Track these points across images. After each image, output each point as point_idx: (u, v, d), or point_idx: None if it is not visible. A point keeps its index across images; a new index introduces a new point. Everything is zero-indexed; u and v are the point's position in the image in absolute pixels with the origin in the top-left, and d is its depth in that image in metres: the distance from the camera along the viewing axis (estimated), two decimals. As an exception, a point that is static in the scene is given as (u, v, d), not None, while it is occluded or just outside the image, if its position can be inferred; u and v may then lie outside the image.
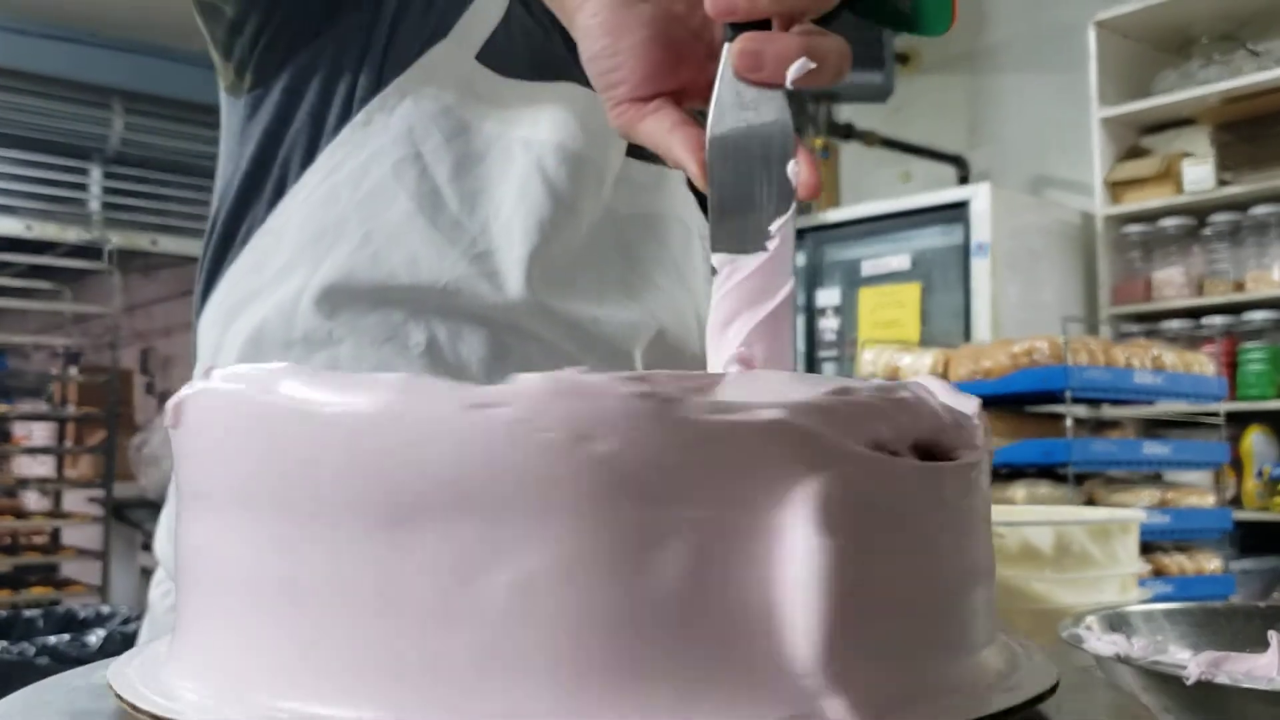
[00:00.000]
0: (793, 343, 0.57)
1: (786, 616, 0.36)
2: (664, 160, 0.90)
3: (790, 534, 0.36)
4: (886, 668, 0.37)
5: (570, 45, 1.00)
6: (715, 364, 0.55)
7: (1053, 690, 0.42)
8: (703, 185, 0.57)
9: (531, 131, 0.91)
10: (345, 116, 0.89)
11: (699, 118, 0.59)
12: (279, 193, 0.90)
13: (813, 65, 0.54)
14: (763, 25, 0.54)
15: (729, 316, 0.55)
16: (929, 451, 0.42)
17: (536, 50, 0.97)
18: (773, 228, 0.55)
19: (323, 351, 0.85)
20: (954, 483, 0.43)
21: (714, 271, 0.98)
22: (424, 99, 0.89)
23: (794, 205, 0.56)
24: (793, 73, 0.53)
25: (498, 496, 0.35)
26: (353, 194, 0.87)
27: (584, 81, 0.94)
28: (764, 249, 0.55)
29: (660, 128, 0.60)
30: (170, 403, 0.43)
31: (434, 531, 0.36)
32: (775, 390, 0.40)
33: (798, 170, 0.55)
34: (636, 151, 0.98)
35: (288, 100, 0.91)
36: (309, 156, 0.89)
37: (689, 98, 0.61)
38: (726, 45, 0.54)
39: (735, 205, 0.55)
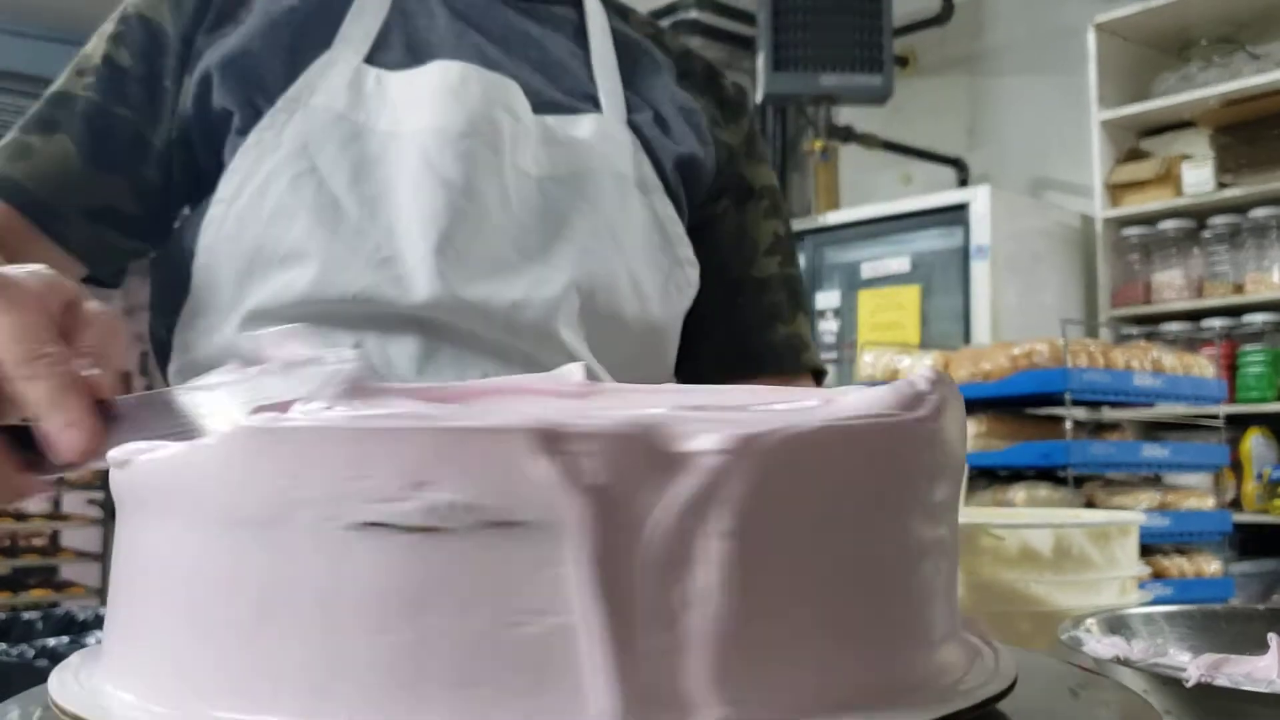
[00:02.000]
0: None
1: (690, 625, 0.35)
2: (584, 106, 0.90)
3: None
4: (792, 672, 0.36)
5: None
6: None
7: (1007, 692, 0.40)
8: None
9: (416, 120, 0.90)
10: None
11: None
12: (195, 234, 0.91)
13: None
14: None
15: None
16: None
17: (423, 36, 0.96)
18: None
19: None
20: (870, 456, 0.39)
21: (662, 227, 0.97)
22: (313, 110, 0.89)
23: None
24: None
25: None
26: (256, 218, 0.87)
27: (452, 54, 0.94)
28: None
29: None
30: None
31: (374, 542, 0.35)
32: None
33: None
34: (549, 106, 0.97)
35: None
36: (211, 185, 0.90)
37: None
38: None
39: None
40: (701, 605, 0.35)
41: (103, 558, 5.00)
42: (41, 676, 0.43)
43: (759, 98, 3.95)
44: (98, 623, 3.46)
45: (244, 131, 0.88)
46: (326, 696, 0.35)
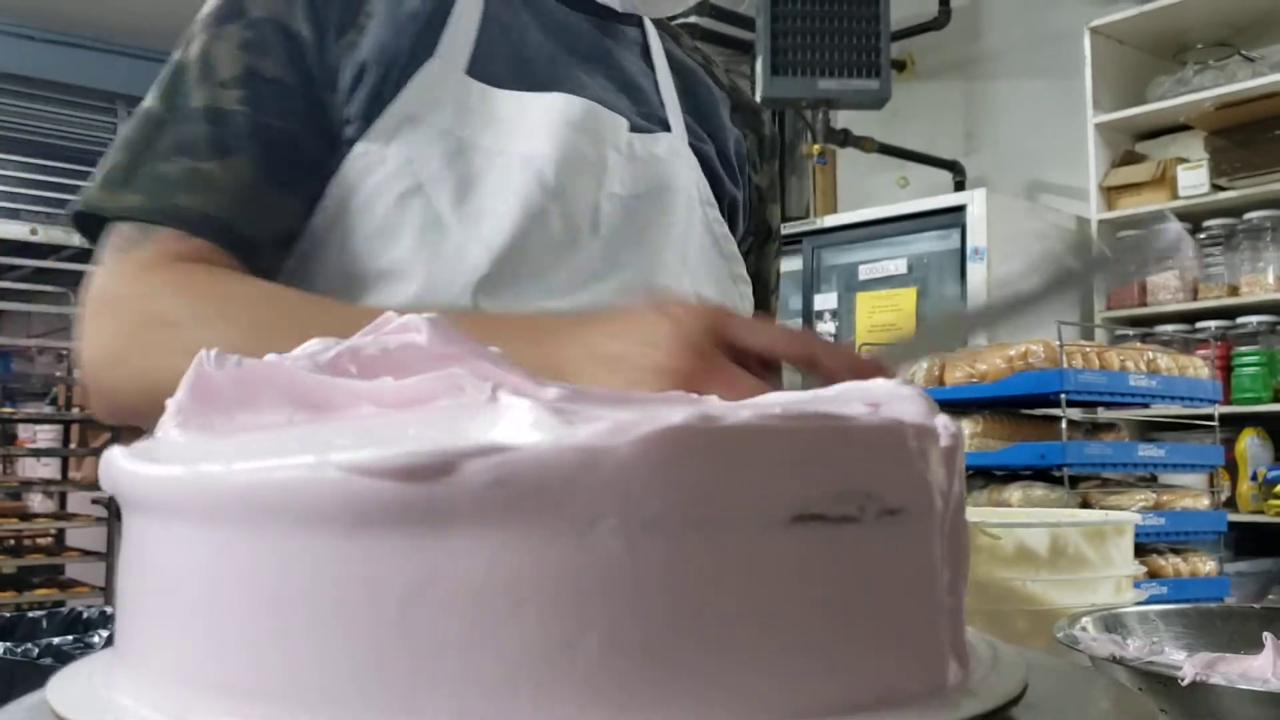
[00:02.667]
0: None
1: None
2: (658, 127, 0.88)
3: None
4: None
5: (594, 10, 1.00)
6: None
7: (1020, 696, 0.41)
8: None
9: (529, 145, 0.90)
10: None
11: None
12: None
13: None
14: None
15: None
16: None
17: (519, 52, 0.96)
18: None
19: None
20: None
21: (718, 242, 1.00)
22: (420, 124, 0.87)
23: None
24: None
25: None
26: (359, 233, 0.86)
27: (574, 89, 0.95)
28: None
29: None
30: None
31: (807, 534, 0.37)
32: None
33: None
34: (635, 126, 0.98)
35: None
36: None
37: None
38: None
39: None
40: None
41: (107, 557, 5.00)
42: (46, 674, 0.42)
43: (757, 101, 3.97)
44: (102, 621, 3.47)
45: (353, 140, 0.87)
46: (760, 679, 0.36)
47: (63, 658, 2.87)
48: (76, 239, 5.66)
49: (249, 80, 0.85)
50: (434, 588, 0.34)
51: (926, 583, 0.40)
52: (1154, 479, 2.56)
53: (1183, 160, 3.72)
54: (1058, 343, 2.21)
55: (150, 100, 0.88)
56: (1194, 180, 3.63)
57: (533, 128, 0.91)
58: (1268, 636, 0.72)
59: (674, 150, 1.00)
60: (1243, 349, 3.55)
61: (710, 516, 0.35)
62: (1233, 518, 2.81)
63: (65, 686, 0.41)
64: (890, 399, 0.42)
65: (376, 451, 0.34)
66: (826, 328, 4.06)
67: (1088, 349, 2.31)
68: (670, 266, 0.96)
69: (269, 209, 0.85)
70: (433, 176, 0.86)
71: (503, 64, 0.94)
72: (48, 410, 5.86)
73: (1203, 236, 3.68)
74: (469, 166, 0.88)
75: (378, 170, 0.86)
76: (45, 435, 5.97)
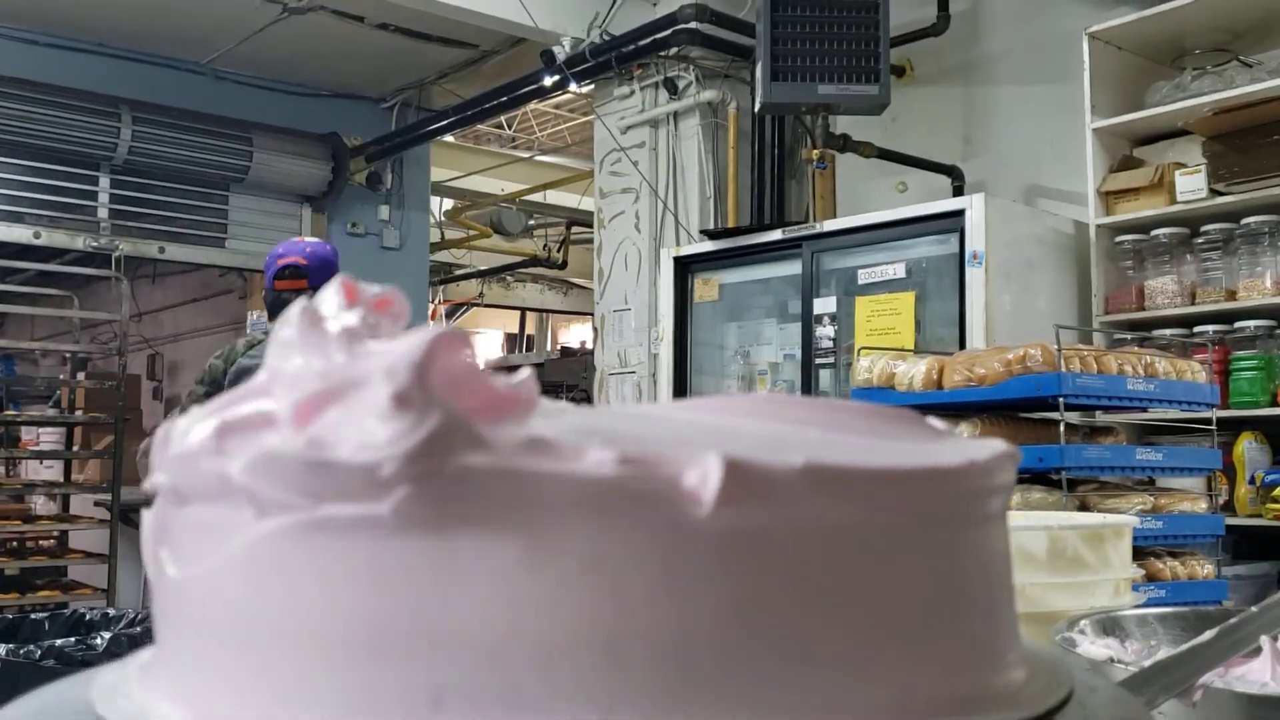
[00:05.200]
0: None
1: None
2: None
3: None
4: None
5: None
6: None
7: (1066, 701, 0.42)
8: None
9: None
10: None
11: None
12: None
13: None
14: None
15: None
16: None
17: None
18: None
19: None
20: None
21: None
22: None
23: None
24: None
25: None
26: None
27: None
28: None
29: None
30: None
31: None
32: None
33: None
34: None
35: None
36: None
37: None
38: None
39: None
40: None
41: (110, 559, 5.01)
42: (49, 676, 0.43)
43: (757, 107, 3.98)
44: (105, 623, 3.47)
45: None
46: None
47: (65, 659, 2.88)
48: (80, 242, 5.69)
49: None
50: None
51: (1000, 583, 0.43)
52: (1152, 482, 2.56)
53: (1181, 165, 3.73)
54: (1056, 346, 2.22)
55: None
56: (1192, 185, 3.64)
57: None
58: (1265, 640, 0.72)
59: None
60: (1241, 353, 3.56)
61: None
62: (1230, 521, 2.82)
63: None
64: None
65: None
66: (826, 331, 4.08)
67: (1086, 353, 2.31)
68: None
69: None
70: None
71: None
72: (51, 413, 5.87)
73: (1201, 241, 3.70)
74: None
75: None
76: (48, 438, 5.98)
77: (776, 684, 0.36)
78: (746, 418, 0.48)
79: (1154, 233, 3.75)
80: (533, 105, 7.49)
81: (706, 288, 4.60)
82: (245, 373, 2.99)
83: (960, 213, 3.68)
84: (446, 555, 0.35)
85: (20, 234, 5.53)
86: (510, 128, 9.24)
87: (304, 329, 0.40)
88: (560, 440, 0.36)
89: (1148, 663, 0.67)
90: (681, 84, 5.00)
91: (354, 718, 0.35)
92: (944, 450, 0.44)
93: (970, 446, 0.44)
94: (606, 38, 5.13)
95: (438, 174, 7.58)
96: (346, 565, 0.36)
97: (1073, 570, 1.06)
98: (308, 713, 0.36)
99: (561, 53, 5.17)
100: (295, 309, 0.41)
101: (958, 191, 4.38)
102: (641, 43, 4.92)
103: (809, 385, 4.11)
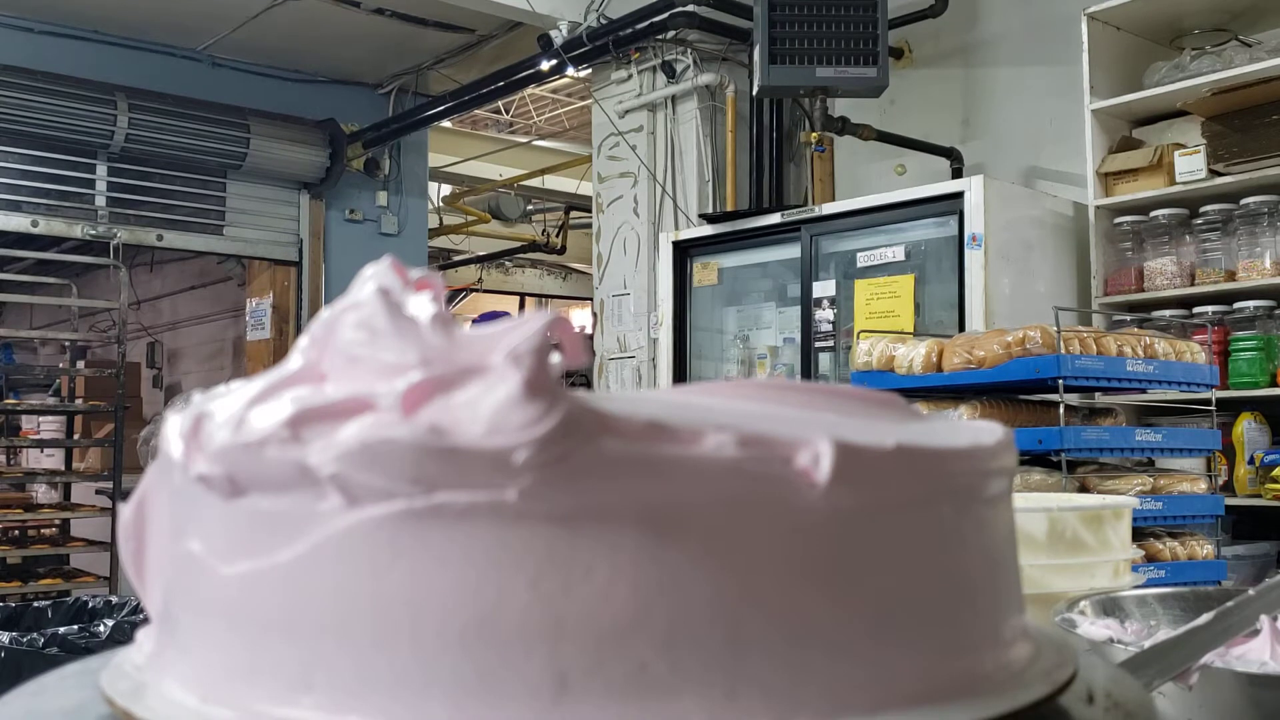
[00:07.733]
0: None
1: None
2: None
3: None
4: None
5: None
6: None
7: (1069, 682, 0.42)
8: None
9: None
10: None
11: None
12: None
13: None
14: None
15: None
16: None
17: None
18: None
19: None
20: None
21: None
22: None
23: None
24: None
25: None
26: None
27: None
28: None
29: None
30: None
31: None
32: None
33: None
34: None
35: None
36: None
37: None
38: None
39: None
40: None
41: (112, 546, 5.02)
42: (51, 663, 0.43)
43: (755, 90, 3.97)
44: (107, 610, 3.48)
45: None
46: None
47: (68, 647, 2.89)
48: (78, 230, 5.68)
49: None
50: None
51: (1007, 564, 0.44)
52: (1151, 463, 2.57)
53: (1180, 146, 3.73)
54: (1055, 328, 2.22)
55: None
56: (1191, 166, 3.63)
57: None
58: (1265, 620, 0.73)
59: None
60: (1240, 334, 3.56)
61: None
62: (1230, 501, 2.82)
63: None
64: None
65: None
66: (825, 315, 4.08)
67: (1085, 334, 2.31)
68: None
69: None
70: None
71: None
72: (51, 401, 5.88)
73: (1200, 222, 3.70)
74: None
75: None
76: (49, 426, 5.99)
77: (872, 662, 0.37)
78: (754, 402, 0.48)
79: (1153, 214, 3.74)
80: (530, 90, 7.47)
81: (705, 272, 4.59)
82: None
83: (959, 195, 3.68)
84: (570, 539, 0.35)
85: (18, 223, 5.52)
86: (508, 113, 9.21)
87: (391, 316, 0.39)
88: (678, 423, 0.36)
89: (1147, 644, 0.68)
90: (679, 67, 4.98)
91: (474, 705, 0.35)
92: (949, 431, 0.45)
93: (967, 428, 0.45)
94: (604, 21, 5.12)
95: (435, 160, 7.56)
96: (464, 552, 0.35)
97: (1072, 552, 1.06)
98: (424, 702, 0.36)
99: (559, 37, 5.15)
100: (369, 294, 0.40)
101: (956, 174, 4.37)
102: (639, 26, 4.91)
103: (808, 369, 4.11)
